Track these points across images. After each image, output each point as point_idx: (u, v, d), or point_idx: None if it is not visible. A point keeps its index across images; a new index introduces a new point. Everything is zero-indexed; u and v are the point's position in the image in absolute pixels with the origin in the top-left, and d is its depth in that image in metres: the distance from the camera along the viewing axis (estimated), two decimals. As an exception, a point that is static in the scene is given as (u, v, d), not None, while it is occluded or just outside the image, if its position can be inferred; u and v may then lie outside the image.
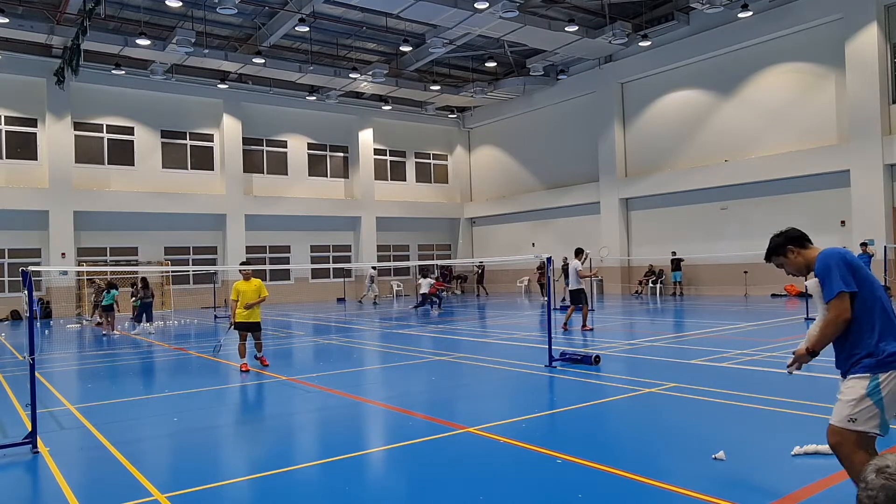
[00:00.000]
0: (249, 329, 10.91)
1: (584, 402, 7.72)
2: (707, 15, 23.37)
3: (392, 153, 35.97)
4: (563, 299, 22.80)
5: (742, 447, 5.50)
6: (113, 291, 17.96)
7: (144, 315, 18.26)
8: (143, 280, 18.69)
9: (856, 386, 3.46)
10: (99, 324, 21.37)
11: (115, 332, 17.65)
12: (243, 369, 10.56)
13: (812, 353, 3.70)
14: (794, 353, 3.82)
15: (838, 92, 21.96)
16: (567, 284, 16.37)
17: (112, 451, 6.08)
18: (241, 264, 11.41)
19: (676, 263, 26.08)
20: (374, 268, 29.63)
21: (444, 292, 26.99)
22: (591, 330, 15.05)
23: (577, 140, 30.97)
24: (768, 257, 3.95)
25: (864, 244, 19.26)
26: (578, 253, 15.45)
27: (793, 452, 5.27)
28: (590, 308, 17.07)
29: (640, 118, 28.38)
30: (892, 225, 20.80)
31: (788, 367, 3.90)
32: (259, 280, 11.02)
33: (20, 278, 8.26)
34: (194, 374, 11.13)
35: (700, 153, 26.03)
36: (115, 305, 17.94)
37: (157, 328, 18.96)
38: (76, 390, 9.89)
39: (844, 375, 3.59)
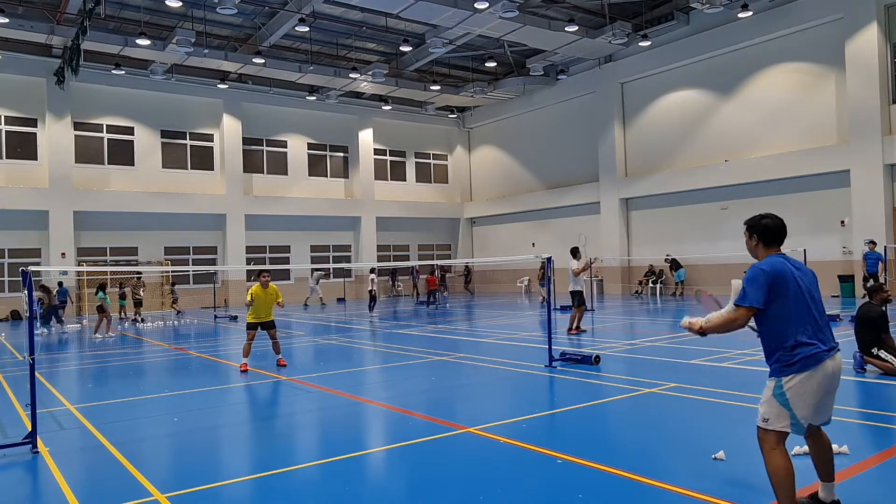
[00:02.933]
0: (264, 327, 11.03)
1: (584, 403, 7.72)
2: (707, 15, 23.36)
3: (392, 153, 35.96)
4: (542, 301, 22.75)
5: (742, 447, 5.49)
6: (101, 293, 17.84)
7: (53, 318, 18.98)
8: (46, 287, 20.38)
9: (767, 388, 3.84)
10: (134, 320, 21.57)
11: (97, 334, 17.43)
12: (243, 369, 10.56)
13: (703, 333, 4.04)
14: (689, 321, 4.10)
15: (838, 92, 21.96)
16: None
17: (112, 451, 6.08)
18: (262, 272, 11.18)
19: (677, 263, 26.07)
20: (316, 269, 29.26)
21: (439, 291, 26.88)
22: (584, 332, 14.64)
23: (577, 140, 30.96)
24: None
25: (872, 242, 19.04)
26: (574, 253, 15.30)
27: (793, 452, 5.23)
28: (587, 308, 17.04)
29: (640, 118, 28.37)
30: (892, 225, 20.79)
31: (682, 325, 4.19)
32: (276, 287, 11.16)
33: (20, 278, 8.26)
34: (194, 374, 11.15)
35: (700, 153, 26.02)
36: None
37: (57, 330, 19.35)
38: (76, 390, 9.89)
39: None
